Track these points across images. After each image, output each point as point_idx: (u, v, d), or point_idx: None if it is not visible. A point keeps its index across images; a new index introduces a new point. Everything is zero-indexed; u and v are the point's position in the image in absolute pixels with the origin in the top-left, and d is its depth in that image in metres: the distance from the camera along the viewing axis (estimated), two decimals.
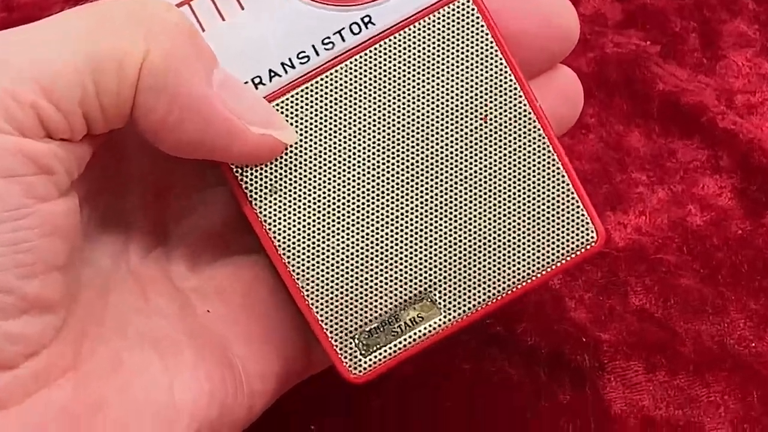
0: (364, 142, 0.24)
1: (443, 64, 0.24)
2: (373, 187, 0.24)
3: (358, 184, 0.24)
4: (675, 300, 0.33)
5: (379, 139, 0.24)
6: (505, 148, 0.24)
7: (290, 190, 0.24)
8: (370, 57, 0.24)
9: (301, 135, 0.24)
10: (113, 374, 0.22)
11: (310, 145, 0.24)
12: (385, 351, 0.24)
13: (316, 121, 0.24)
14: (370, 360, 0.24)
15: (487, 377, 0.31)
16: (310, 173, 0.24)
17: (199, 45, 0.21)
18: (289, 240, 0.24)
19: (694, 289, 0.33)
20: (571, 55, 0.39)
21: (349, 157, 0.24)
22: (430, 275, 0.24)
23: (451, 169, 0.24)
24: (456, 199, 0.24)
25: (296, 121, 0.24)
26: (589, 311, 0.33)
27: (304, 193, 0.24)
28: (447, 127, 0.24)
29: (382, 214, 0.24)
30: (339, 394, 0.31)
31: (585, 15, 0.43)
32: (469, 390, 0.31)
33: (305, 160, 0.24)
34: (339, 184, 0.24)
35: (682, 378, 0.31)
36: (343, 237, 0.24)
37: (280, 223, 0.24)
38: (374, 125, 0.24)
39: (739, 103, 0.39)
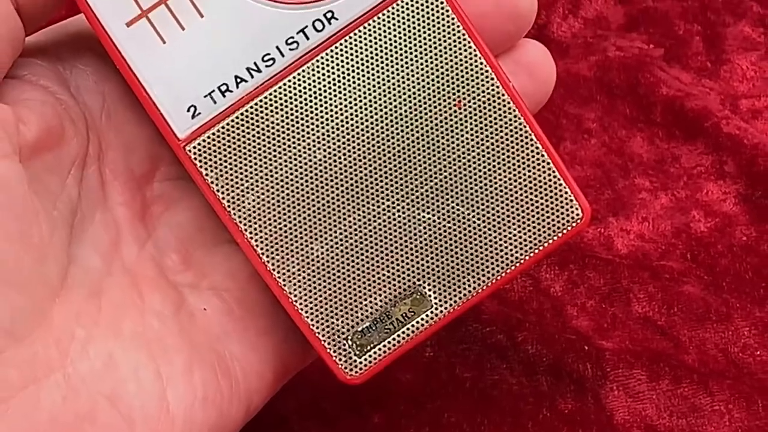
0: (339, 139, 0.24)
1: (411, 53, 0.24)
2: (351, 184, 0.24)
3: (336, 182, 0.24)
4: (678, 308, 0.33)
5: (354, 135, 0.24)
6: (481, 132, 0.24)
7: (268, 195, 0.24)
8: (336, 53, 0.24)
9: (274, 138, 0.24)
10: (105, 377, 0.22)
11: (284, 148, 0.24)
12: (380, 349, 0.24)
13: (287, 122, 0.24)
14: (366, 359, 0.24)
15: (489, 386, 0.31)
16: (286, 176, 0.24)
17: None
18: (271, 246, 0.24)
19: (698, 296, 0.33)
20: (573, 59, 0.41)
21: (325, 156, 0.24)
22: (418, 268, 0.24)
23: (430, 158, 0.24)
24: (437, 189, 0.24)
25: (268, 125, 0.24)
26: (592, 319, 0.33)
27: (282, 196, 0.24)
28: (422, 116, 0.24)
29: (364, 211, 0.24)
30: (338, 407, 0.31)
31: (587, 18, 0.43)
32: (470, 399, 0.31)
33: (279, 163, 0.24)
34: (316, 185, 0.24)
35: (685, 387, 0.31)
36: (325, 238, 0.24)
37: (261, 230, 0.24)
38: (347, 122, 0.24)
39: (743, 107, 0.39)
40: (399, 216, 0.24)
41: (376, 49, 0.24)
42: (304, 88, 0.23)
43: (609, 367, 0.31)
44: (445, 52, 0.24)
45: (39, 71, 0.24)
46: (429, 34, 0.24)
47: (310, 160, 0.24)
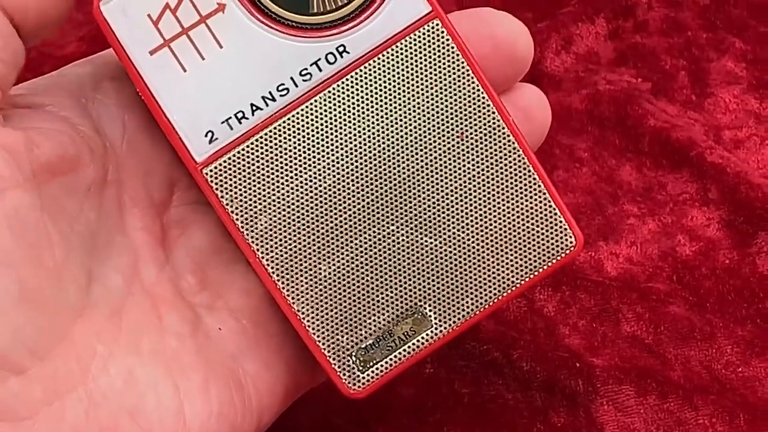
0: (348, 167, 0.24)
1: (418, 86, 0.24)
2: (359, 209, 0.24)
3: (344, 207, 0.24)
4: (665, 327, 0.34)
5: (362, 163, 0.24)
6: (482, 163, 0.24)
7: (279, 218, 0.24)
8: (347, 85, 0.24)
9: (286, 164, 0.24)
10: (125, 393, 0.23)
11: (295, 174, 0.24)
12: (382, 365, 0.25)
13: (298, 149, 0.24)
14: (368, 375, 0.25)
15: (486, 401, 0.32)
16: (296, 200, 0.24)
17: None
18: (281, 266, 0.24)
19: (683, 316, 0.34)
20: (565, 92, 0.42)
21: (334, 183, 0.24)
22: (420, 290, 0.25)
23: (433, 186, 0.24)
24: (439, 216, 0.24)
25: (281, 152, 0.24)
26: (583, 338, 0.34)
27: (292, 218, 0.24)
28: (426, 147, 0.24)
29: (370, 235, 0.24)
30: (346, 421, 0.32)
31: (578, 53, 0.44)
32: (468, 413, 0.32)
33: (291, 188, 0.24)
34: (325, 209, 0.24)
35: (671, 402, 0.32)
36: (333, 259, 0.24)
37: (271, 251, 0.24)
38: (356, 150, 0.24)
39: (726, 138, 0.40)
40: (403, 240, 0.24)
41: (385, 81, 0.24)
42: (316, 117, 0.24)
43: (599, 383, 0.32)
44: (450, 86, 0.24)
45: (61, 102, 0.24)
46: (435, 69, 0.24)
47: (320, 186, 0.24)
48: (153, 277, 0.25)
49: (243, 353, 0.25)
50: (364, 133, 0.24)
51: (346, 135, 0.24)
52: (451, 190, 0.25)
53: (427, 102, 0.24)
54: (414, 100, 0.24)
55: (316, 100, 0.24)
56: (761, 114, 0.41)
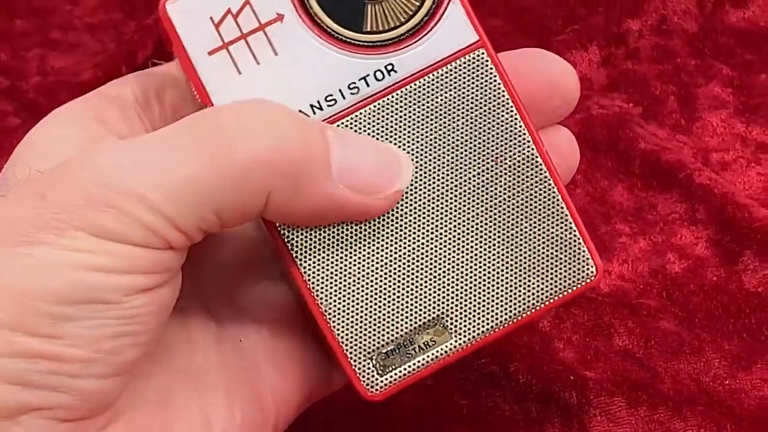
0: None
1: (459, 110, 0.25)
2: (392, 220, 0.25)
3: (379, 219, 0.25)
4: (655, 341, 0.34)
5: None
6: (514, 188, 0.25)
7: (318, 226, 0.24)
8: (393, 101, 0.25)
9: None
10: (158, 413, 0.23)
11: None
12: (400, 371, 0.25)
13: None
14: (386, 379, 0.25)
15: (484, 412, 0.33)
16: None
17: (310, 137, 0.22)
18: (315, 270, 0.25)
19: (672, 331, 0.35)
20: None
21: None
22: (443, 303, 0.25)
23: (464, 205, 0.25)
24: (468, 234, 0.25)
25: None
26: (577, 352, 0.34)
27: (330, 227, 0.24)
28: (461, 167, 0.25)
29: (400, 247, 0.25)
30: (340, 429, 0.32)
31: None
32: (467, 424, 0.32)
33: None
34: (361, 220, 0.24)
35: (661, 413, 0.32)
36: (363, 267, 0.25)
37: (308, 255, 0.24)
38: None
39: (714, 160, 0.40)
40: (431, 253, 0.25)
41: (428, 101, 0.25)
42: (359, 130, 0.24)
43: (592, 395, 0.33)
44: (490, 113, 0.25)
45: None
46: (477, 95, 0.25)
47: None
48: (184, 293, 0.26)
49: (262, 363, 0.26)
50: (404, 149, 0.25)
51: None
52: (482, 211, 0.25)
53: (467, 126, 0.25)
54: (454, 123, 0.25)
55: (360, 113, 0.25)
56: (747, 137, 0.41)
